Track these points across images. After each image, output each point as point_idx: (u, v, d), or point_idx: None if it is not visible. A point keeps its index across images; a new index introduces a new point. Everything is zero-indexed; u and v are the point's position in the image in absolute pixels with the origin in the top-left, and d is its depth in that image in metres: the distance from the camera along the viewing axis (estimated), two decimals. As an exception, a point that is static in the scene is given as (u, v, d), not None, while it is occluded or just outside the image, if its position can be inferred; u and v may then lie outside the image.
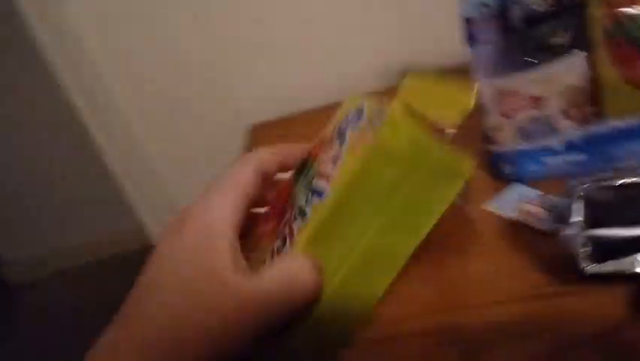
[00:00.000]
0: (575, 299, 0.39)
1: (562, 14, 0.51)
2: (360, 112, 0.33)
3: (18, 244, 2.18)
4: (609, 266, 0.39)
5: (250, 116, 0.98)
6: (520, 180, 0.54)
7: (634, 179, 0.39)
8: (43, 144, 1.99)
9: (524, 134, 0.53)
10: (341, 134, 0.34)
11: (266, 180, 0.34)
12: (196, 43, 0.96)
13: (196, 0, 0.92)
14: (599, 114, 0.50)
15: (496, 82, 0.53)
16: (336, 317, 0.29)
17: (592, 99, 0.49)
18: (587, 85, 0.49)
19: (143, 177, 1.10)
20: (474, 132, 0.58)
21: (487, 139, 0.56)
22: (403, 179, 0.29)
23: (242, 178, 0.33)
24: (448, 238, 0.49)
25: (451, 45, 0.59)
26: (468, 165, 0.30)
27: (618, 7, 0.46)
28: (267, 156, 0.35)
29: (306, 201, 0.32)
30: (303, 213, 0.31)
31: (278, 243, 0.32)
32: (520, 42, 0.52)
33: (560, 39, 0.50)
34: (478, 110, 0.54)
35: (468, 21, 0.53)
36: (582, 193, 0.40)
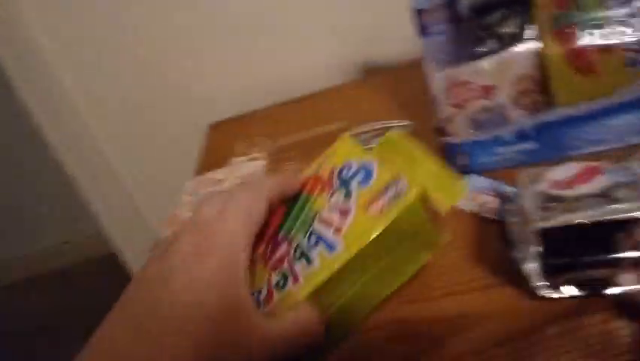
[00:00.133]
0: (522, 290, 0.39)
1: (511, 3, 0.51)
2: (368, 172, 0.37)
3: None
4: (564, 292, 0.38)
5: (208, 115, 0.96)
6: (473, 171, 0.54)
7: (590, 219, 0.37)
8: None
9: (476, 124, 0.53)
10: (344, 183, 0.38)
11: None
12: (151, 41, 0.94)
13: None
14: (549, 103, 0.50)
15: (447, 72, 0.52)
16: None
17: (542, 88, 0.49)
18: (537, 73, 0.49)
19: (102, 179, 1.07)
20: (429, 125, 0.58)
21: (440, 131, 0.55)
22: (398, 245, 0.35)
23: (256, 208, 0.35)
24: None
25: (413, 40, 0.58)
26: (446, 238, 0.38)
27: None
28: (274, 185, 0.38)
29: (308, 243, 0.36)
30: (307, 258, 0.35)
31: (278, 277, 0.35)
32: (470, 32, 0.52)
33: (510, 28, 0.50)
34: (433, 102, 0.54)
35: (419, 12, 0.53)
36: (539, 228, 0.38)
